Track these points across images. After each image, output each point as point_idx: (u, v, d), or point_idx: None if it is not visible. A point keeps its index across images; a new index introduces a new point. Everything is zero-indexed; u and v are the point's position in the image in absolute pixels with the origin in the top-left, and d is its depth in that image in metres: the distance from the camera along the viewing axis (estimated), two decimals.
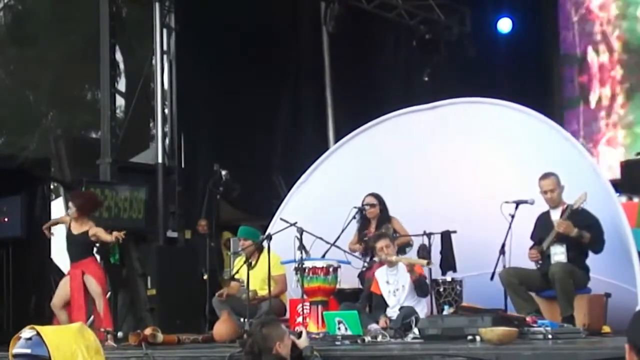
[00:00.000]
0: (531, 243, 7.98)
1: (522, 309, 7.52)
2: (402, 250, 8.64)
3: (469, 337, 6.73)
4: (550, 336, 6.72)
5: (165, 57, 12.04)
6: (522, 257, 7.87)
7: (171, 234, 11.79)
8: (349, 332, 7.43)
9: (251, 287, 8.56)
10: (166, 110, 12.22)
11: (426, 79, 13.79)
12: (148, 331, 8.78)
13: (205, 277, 10.98)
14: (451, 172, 9.45)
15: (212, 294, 9.40)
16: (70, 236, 9.35)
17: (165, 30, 12.06)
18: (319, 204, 9.92)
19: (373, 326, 7.67)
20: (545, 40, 14.36)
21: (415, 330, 7.38)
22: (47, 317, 9.67)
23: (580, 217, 7.68)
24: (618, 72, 13.72)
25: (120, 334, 9.82)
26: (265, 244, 8.63)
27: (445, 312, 7.94)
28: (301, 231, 8.36)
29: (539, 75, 14.02)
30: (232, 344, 7.77)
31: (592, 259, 7.82)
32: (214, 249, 11.46)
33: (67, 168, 11.53)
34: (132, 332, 9.09)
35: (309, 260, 8.35)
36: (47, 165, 12.01)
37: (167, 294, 10.94)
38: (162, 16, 11.96)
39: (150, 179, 11.51)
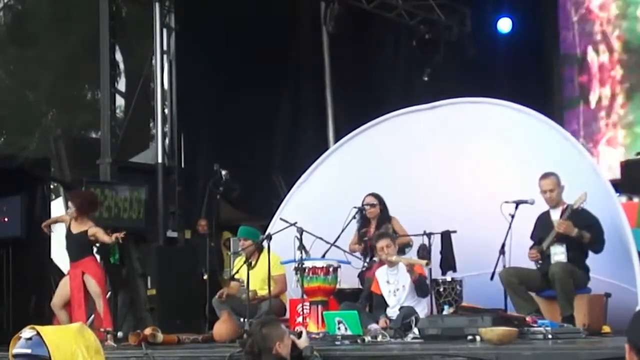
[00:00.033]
0: (531, 243, 7.98)
1: (522, 308, 7.52)
2: (401, 250, 8.64)
3: (469, 337, 6.73)
4: (550, 336, 6.72)
5: (165, 57, 12.04)
6: (522, 257, 7.87)
7: (171, 234, 11.79)
8: (348, 332, 7.43)
9: (251, 287, 8.56)
10: (166, 110, 12.21)
11: (426, 79, 13.77)
12: (148, 331, 8.78)
13: (205, 277, 10.98)
14: (451, 172, 9.45)
15: (212, 294, 9.40)
16: (69, 235, 9.36)
17: (165, 30, 12.06)
18: (319, 204, 9.93)
19: (373, 326, 7.67)
20: (545, 40, 14.35)
21: (415, 330, 7.38)
22: (47, 317, 9.67)
23: (581, 217, 7.68)
24: (618, 72, 13.71)
25: (120, 334, 9.82)
26: (265, 244, 8.64)
27: (445, 312, 7.94)
28: (301, 231, 8.36)
29: (539, 75, 14.01)
30: (232, 344, 7.77)
31: (592, 259, 7.82)
32: (214, 249, 11.45)
33: (67, 168, 11.53)
34: (132, 332, 9.09)
35: (309, 260, 8.34)
36: (47, 165, 12.01)
37: (167, 294, 10.94)
38: (162, 16, 11.95)
39: (150, 179, 11.50)
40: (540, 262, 7.81)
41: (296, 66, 14.24)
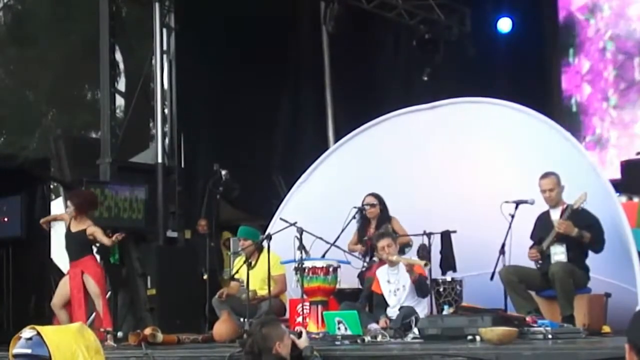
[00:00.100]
0: (531, 243, 7.98)
1: (522, 307, 7.52)
2: (401, 250, 8.63)
3: (469, 337, 6.73)
4: (550, 336, 6.72)
5: (165, 57, 12.03)
6: (522, 257, 7.87)
7: (171, 234, 11.79)
8: (348, 332, 7.44)
9: (251, 287, 8.56)
10: (166, 110, 12.21)
11: (426, 78, 13.77)
12: (148, 331, 8.79)
13: (205, 277, 10.98)
14: (451, 172, 9.45)
15: (212, 294, 9.40)
16: (69, 234, 9.37)
17: (165, 30, 12.05)
18: (319, 204, 9.93)
19: (373, 326, 7.67)
20: (545, 40, 14.36)
21: (415, 330, 7.38)
22: (47, 317, 9.69)
23: (581, 217, 7.68)
24: (614, 73, 13.72)
25: (120, 334, 9.82)
26: (265, 243, 8.64)
27: (445, 312, 7.94)
28: (301, 231, 8.36)
29: (539, 76, 14.02)
30: (232, 344, 7.77)
31: (592, 259, 7.82)
32: (213, 249, 11.46)
33: (67, 168, 11.53)
34: (132, 332, 9.09)
35: (309, 260, 8.34)
36: (47, 165, 12.02)
37: (167, 294, 10.94)
38: (162, 16, 11.95)
39: (150, 179, 11.50)
40: (540, 262, 7.81)
41: (296, 66, 14.24)
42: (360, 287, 8.89)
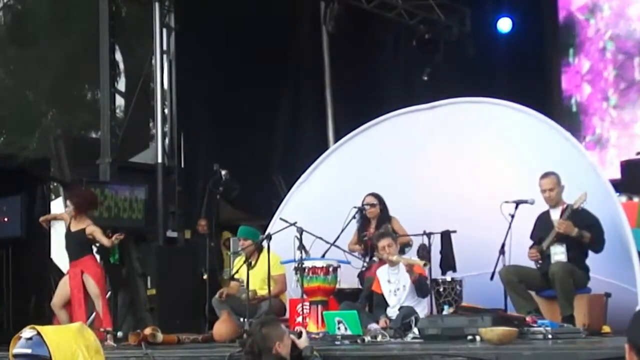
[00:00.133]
0: (531, 243, 7.98)
1: (522, 307, 7.52)
2: (401, 250, 8.63)
3: (469, 337, 6.73)
4: (550, 336, 6.72)
5: (165, 56, 12.03)
6: (522, 256, 7.87)
7: (171, 234, 11.79)
8: (348, 332, 7.43)
9: (251, 287, 8.56)
10: (166, 110, 12.21)
11: (426, 78, 13.78)
12: (148, 331, 8.79)
13: (205, 277, 10.98)
14: (451, 172, 9.45)
15: (212, 294, 9.40)
16: (68, 234, 9.38)
17: (165, 30, 12.06)
18: (319, 204, 9.93)
19: (373, 326, 7.67)
20: (545, 40, 14.36)
21: (415, 330, 7.38)
22: (47, 317, 9.68)
23: (581, 217, 7.68)
24: (614, 73, 13.73)
25: (120, 334, 9.82)
26: (265, 243, 8.64)
27: (445, 312, 7.93)
28: (301, 231, 8.36)
29: (539, 76, 14.02)
30: (232, 344, 7.77)
31: (592, 259, 7.82)
32: (213, 249, 11.46)
33: (67, 168, 11.52)
34: (132, 332, 9.10)
35: (309, 260, 8.34)
36: (47, 165, 12.01)
37: (167, 294, 10.94)
38: (162, 16, 11.95)
39: (150, 179, 11.50)
40: (540, 261, 7.81)
41: (296, 66, 14.24)
42: (360, 287, 8.89)
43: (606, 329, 7.47)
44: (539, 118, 8.75)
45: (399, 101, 11.54)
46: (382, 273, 8.20)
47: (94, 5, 12.30)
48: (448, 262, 8.94)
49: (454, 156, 9.42)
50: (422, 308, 7.95)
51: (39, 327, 3.09)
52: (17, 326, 3.59)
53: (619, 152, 13.27)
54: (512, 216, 7.89)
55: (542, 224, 7.94)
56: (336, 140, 12.08)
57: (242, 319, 8.63)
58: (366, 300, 8.40)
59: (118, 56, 14.73)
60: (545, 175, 7.88)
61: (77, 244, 9.30)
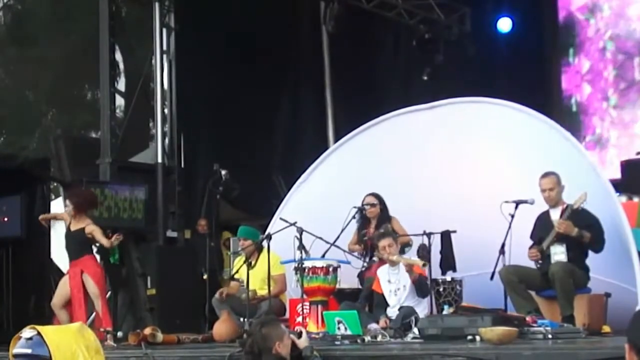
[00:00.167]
0: (531, 243, 7.98)
1: (522, 307, 7.52)
2: (401, 250, 8.63)
3: (469, 337, 6.73)
4: (550, 336, 6.72)
5: (164, 56, 12.03)
6: (522, 256, 7.87)
7: (171, 233, 11.79)
8: (348, 332, 7.43)
9: (251, 287, 8.56)
10: (166, 110, 12.21)
11: (426, 78, 13.78)
12: (148, 331, 8.79)
13: (205, 277, 10.97)
14: (451, 172, 9.45)
15: (211, 293, 9.40)
16: (68, 234, 9.38)
17: (165, 30, 12.06)
18: (319, 204, 9.93)
19: (373, 326, 7.67)
20: (545, 40, 14.36)
21: (415, 330, 7.38)
22: (47, 317, 9.68)
23: (581, 217, 7.68)
24: (614, 72, 13.73)
25: (120, 334, 9.82)
26: (265, 243, 8.63)
27: (445, 312, 7.93)
28: (301, 231, 8.35)
29: (538, 76, 14.02)
30: (232, 344, 7.77)
31: (592, 259, 7.82)
32: (213, 249, 11.46)
33: (67, 168, 11.52)
34: (132, 332, 9.09)
35: (309, 260, 8.34)
36: (47, 165, 12.01)
37: (167, 294, 10.94)
38: (162, 16, 11.95)
39: (150, 178, 11.50)
40: (540, 261, 7.81)
41: (296, 66, 14.23)
42: (360, 287, 8.88)
43: (606, 329, 7.47)
44: (539, 118, 8.75)
45: (399, 101, 11.54)
46: (383, 273, 8.20)
47: (94, 5, 12.30)
48: (448, 262, 8.94)
49: (454, 156, 9.42)
50: (422, 308, 7.95)
51: (39, 327, 3.09)
52: (17, 326, 3.59)
53: (619, 152, 13.27)
54: (512, 216, 7.89)
55: (542, 224, 7.94)
56: (336, 140, 12.08)
57: (242, 319, 8.63)
58: (366, 300, 8.40)
59: (118, 56, 14.73)
60: (545, 175, 7.88)
61: (77, 244, 9.30)
